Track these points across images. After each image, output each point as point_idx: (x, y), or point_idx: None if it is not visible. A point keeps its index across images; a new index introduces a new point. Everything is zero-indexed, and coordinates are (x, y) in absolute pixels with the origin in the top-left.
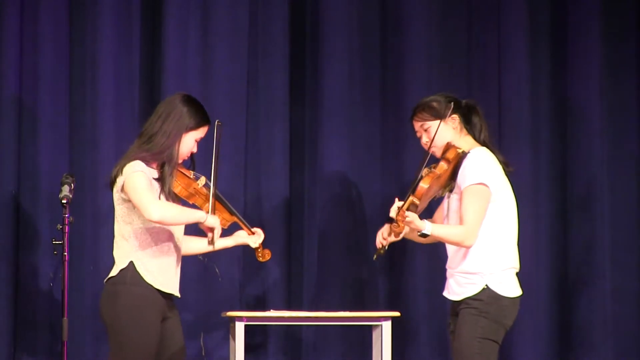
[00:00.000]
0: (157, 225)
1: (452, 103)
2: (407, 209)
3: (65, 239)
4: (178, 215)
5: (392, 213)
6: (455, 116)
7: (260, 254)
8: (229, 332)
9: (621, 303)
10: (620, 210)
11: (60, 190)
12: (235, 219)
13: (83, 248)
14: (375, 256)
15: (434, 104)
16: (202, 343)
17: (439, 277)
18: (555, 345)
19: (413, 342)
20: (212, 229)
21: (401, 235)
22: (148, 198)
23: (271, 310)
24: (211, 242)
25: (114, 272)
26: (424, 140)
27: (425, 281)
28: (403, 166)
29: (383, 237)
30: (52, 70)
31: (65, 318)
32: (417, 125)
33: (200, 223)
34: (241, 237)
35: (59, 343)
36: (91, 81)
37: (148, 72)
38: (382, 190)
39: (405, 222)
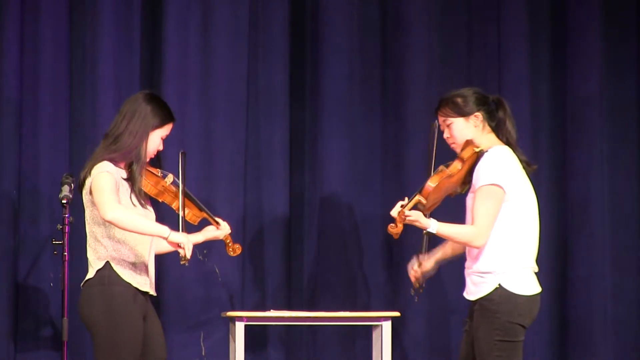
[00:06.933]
0: None
1: (478, 100)
2: (413, 208)
3: (65, 239)
4: (136, 222)
5: (394, 212)
6: (479, 114)
7: (230, 248)
8: (229, 332)
9: (621, 303)
10: (620, 210)
11: (60, 190)
12: (205, 215)
13: (83, 248)
14: (412, 292)
15: (458, 99)
16: (202, 343)
17: (439, 277)
18: (555, 345)
19: (413, 342)
20: (179, 246)
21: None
22: (109, 198)
23: (271, 310)
24: (184, 259)
25: (90, 275)
26: (445, 135)
27: (425, 281)
28: (403, 166)
29: (414, 270)
30: (52, 70)
31: (65, 318)
32: (440, 119)
33: (164, 238)
34: (210, 231)
35: (59, 343)
36: (91, 81)
37: (148, 72)
38: (382, 190)
39: (408, 221)
